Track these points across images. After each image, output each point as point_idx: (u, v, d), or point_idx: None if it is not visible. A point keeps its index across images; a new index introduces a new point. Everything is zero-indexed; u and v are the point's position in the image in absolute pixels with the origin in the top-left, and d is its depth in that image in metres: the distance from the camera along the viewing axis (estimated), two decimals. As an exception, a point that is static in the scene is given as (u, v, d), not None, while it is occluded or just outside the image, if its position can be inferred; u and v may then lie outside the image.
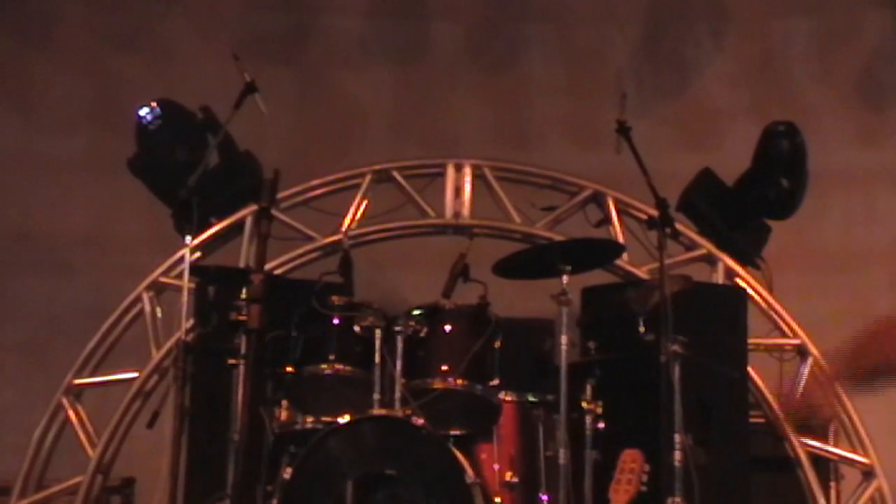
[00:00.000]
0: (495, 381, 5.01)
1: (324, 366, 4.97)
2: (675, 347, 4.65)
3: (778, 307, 5.80)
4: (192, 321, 5.37)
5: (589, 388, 4.98)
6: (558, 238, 5.68)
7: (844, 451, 5.75)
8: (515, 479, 4.99)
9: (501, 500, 4.93)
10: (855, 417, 5.69)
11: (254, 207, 5.63)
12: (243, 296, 4.74)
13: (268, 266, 4.71)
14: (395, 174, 5.99)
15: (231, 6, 7.27)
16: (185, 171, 5.44)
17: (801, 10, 7.07)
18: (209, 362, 5.09)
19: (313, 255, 5.86)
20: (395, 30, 7.22)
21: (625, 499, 4.09)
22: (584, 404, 4.95)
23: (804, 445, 5.62)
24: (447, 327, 5.02)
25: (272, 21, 7.24)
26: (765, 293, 5.82)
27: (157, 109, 5.82)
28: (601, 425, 4.95)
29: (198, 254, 5.78)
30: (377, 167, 6.02)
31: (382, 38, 7.22)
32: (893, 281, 6.81)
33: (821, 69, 7.04)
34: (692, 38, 7.15)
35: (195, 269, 5.36)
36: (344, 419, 4.83)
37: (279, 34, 7.22)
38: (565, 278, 4.93)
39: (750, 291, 5.79)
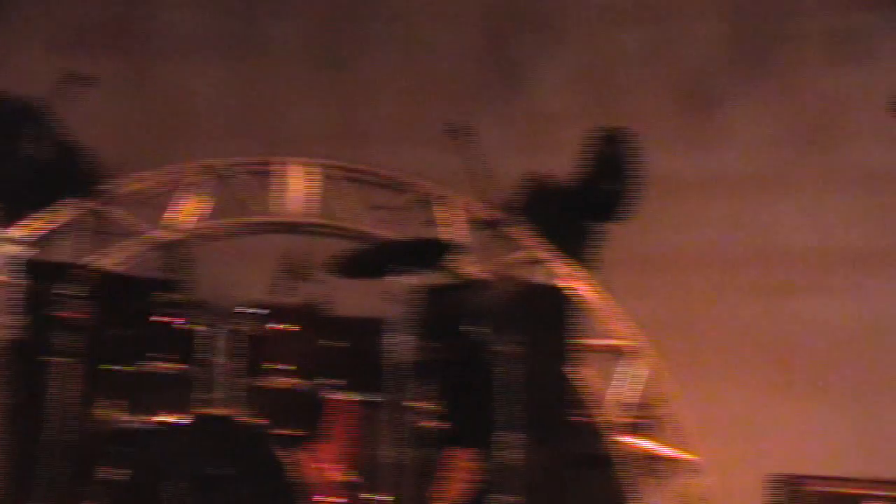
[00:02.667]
0: (332, 381, 5.01)
1: (155, 364, 4.89)
2: (511, 347, 4.71)
3: (609, 308, 5.93)
4: (13, 317, 5.20)
5: (423, 388, 5.01)
6: (393, 237, 5.70)
7: (669, 448, 5.91)
8: (347, 479, 4.99)
9: (333, 499, 4.93)
10: (680, 416, 5.86)
11: (83, 201, 5.51)
12: (70, 291, 4.62)
13: (96, 261, 4.61)
14: (230, 170, 5.93)
15: (61, -6, 7.07)
16: (9, 163, 5.28)
17: (631, 20, 7.21)
18: (31, 360, 4.94)
19: (150, 251, 5.76)
20: (228, 25, 7.13)
21: (456, 496, 4.14)
22: (418, 403, 4.98)
23: (631, 444, 5.76)
24: (286, 326, 4.99)
25: (103, 10, 7.07)
26: (597, 295, 5.94)
27: (-20, 99, 5.63)
28: (434, 424, 4.99)
29: (21, 247, 5.60)
30: (211, 163, 5.95)
31: (216, 32, 7.12)
32: (717, 284, 6.99)
33: (651, 76, 7.19)
34: (529, 42, 7.24)
35: (18, 263, 5.20)
36: (174, 418, 4.76)
37: (110, 24, 7.05)
38: (402, 278, 4.95)
39: (581, 292, 5.90)
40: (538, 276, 5.91)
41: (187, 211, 5.81)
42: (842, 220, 6.93)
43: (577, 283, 5.94)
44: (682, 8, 7.17)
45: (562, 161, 6.25)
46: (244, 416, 4.75)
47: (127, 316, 4.91)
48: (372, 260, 5.15)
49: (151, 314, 4.91)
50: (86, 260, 4.06)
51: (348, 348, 5.15)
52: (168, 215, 5.76)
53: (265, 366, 4.95)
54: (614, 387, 5.86)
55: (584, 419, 5.75)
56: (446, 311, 5.29)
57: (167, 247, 5.49)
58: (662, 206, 6.95)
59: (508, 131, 6.98)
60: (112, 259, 5.69)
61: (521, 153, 6.77)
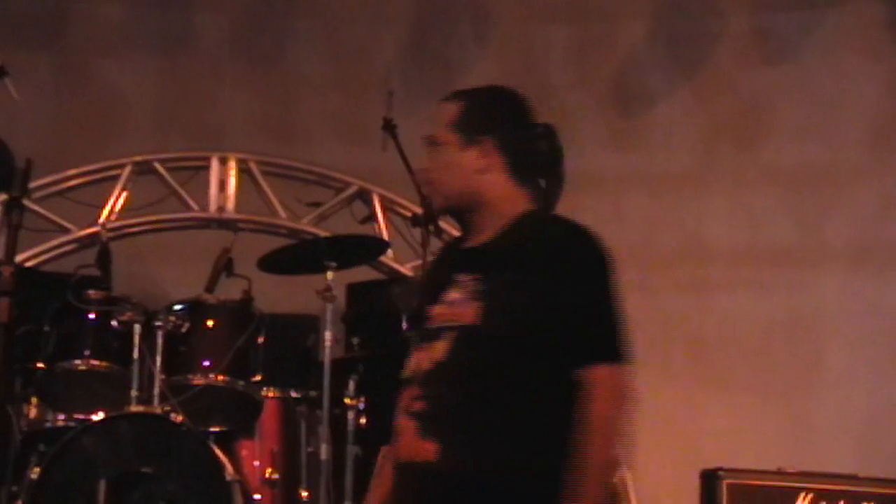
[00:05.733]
0: (258, 377, 4.98)
1: (78, 361, 4.83)
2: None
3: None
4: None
5: (352, 384, 5.00)
6: (324, 234, 5.68)
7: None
8: (276, 476, 4.97)
9: (262, 496, 4.91)
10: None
11: (3, 197, 5.40)
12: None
13: (19, 258, 4.52)
14: (158, 166, 5.87)
15: (-20, -15, 6.92)
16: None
17: (559, 18, 7.25)
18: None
19: (69, 247, 5.68)
20: (158, 19, 7.03)
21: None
22: (346, 400, 4.97)
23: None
24: (210, 322, 4.95)
25: (30, 3, 6.94)
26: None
27: None
28: (363, 421, 4.99)
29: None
30: (139, 158, 5.89)
31: (145, 26, 7.03)
32: (640, 280, 7.07)
33: (577, 75, 7.24)
34: (456, 39, 7.25)
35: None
36: (98, 416, 4.69)
37: (34, 16, 6.92)
38: (330, 274, 4.94)
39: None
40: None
41: (115, 206, 5.74)
42: (767, 216, 7.04)
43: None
44: (609, 7, 7.23)
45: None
46: (171, 414, 4.70)
47: (51, 313, 4.83)
48: (303, 256, 5.13)
49: (77, 311, 4.84)
50: (10, 257, 3.97)
51: (278, 345, 5.12)
52: (97, 211, 5.68)
53: (193, 362, 4.91)
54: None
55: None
56: (377, 307, 5.28)
57: (94, 243, 5.42)
58: (588, 203, 6.99)
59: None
60: (38, 255, 5.60)
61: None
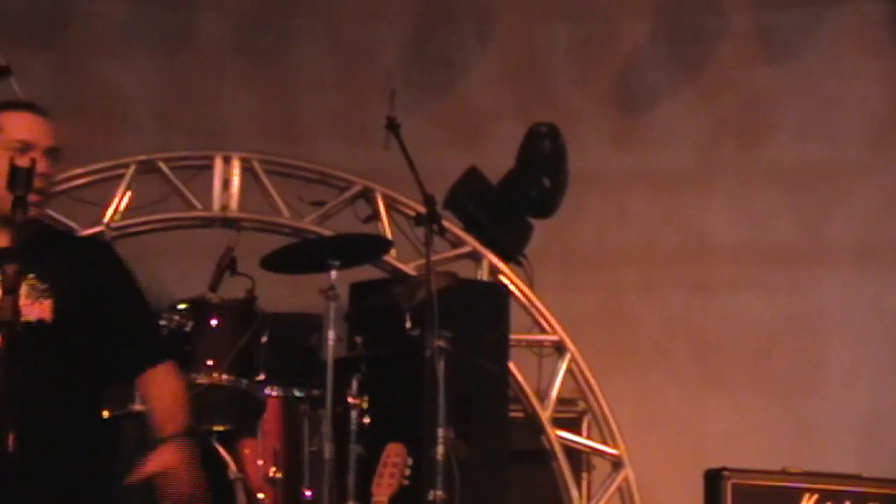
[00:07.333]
0: (261, 376, 4.99)
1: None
2: (440, 342, 4.71)
3: (538, 304, 5.97)
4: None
5: (355, 383, 4.99)
6: (327, 233, 5.68)
7: (596, 442, 5.97)
8: (279, 475, 4.97)
9: (265, 495, 4.90)
10: (606, 410, 5.92)
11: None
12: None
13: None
14: (162, 165, 5.86)
15: (-18, -16, 6.93)
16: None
17: (561, 16, 7.26)
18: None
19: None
20: (160, 18, 7.04)
21: (387, 492, 4.15)
22: (349, 399, 4.96)
23: (559, 438, 5.81)
24: (213, 321, 4.96)
25: (29, 1, 6.94)
26: (526, 290, 5.98)
27: None
28: (366, 420, 4.98)
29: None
30: (142, 157, 5.88)
31: (147, 25, 7.03)
32: (643, 280, 7.08)
33: (580, 74, 7.25)
34: (459, 38, 7.25)
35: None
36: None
37: (36, 16, 6.92)
38: (333, 273, 4.94)
39: (512, 288, 5.93)
40: (471, 272, 5.93)
41: (119, 206, 5.74)
42: (769, 215, 7.05)
43: (507, 278, 5.97)
44: (611, 6, 7.24)
45: (494, 156, 6.29)
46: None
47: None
48: (306, 255, 5.13)
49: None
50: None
51: (281, 344, 5.12)
52: (101, 211, 5.67)
53: (196, 361, 4.91)
54: (544, 382, 5.90)
55: (516, 414, 5.79)
56: (380, 306, 5.28)
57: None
58: (591, 202, 7.02)
59: (443, 126, 6.99)
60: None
61: (453, 148, 6.79)
